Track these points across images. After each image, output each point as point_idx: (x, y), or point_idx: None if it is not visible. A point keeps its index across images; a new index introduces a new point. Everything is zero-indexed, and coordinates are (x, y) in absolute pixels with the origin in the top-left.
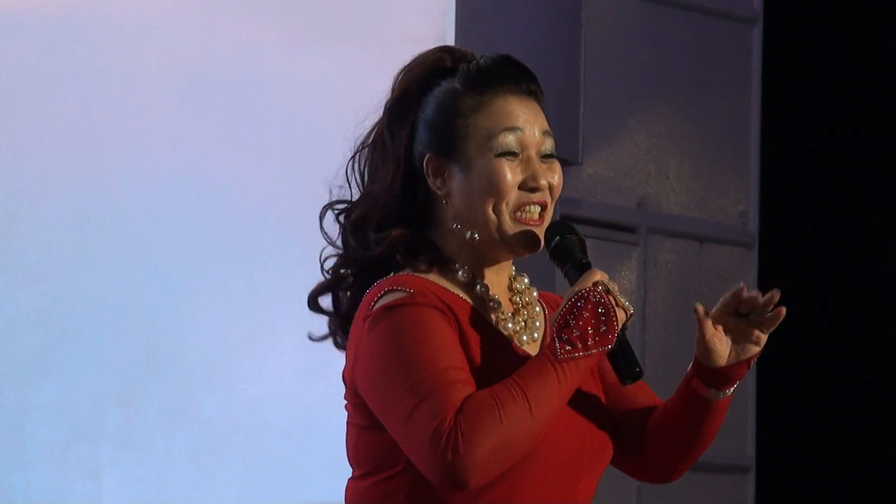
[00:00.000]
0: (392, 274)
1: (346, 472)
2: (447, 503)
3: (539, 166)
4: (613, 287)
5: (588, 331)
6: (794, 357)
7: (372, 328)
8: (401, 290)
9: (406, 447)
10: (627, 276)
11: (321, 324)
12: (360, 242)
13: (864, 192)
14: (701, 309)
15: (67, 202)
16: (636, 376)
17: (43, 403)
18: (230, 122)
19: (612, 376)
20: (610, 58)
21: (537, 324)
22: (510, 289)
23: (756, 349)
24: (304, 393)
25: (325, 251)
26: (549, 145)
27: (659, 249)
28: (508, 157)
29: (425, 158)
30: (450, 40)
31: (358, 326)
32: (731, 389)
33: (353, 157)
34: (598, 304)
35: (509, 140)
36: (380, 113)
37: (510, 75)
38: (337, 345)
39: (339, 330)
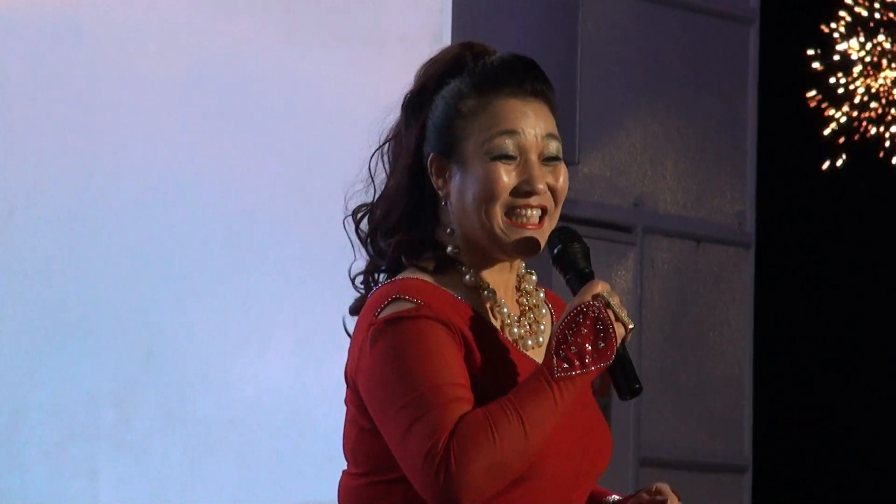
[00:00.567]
0: (400, 275)
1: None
2: None
3: (537, 170)
4: (614, 300)
5: (586, 347)
6: (791, 356)
7: (375, 340)
8: (407, 300)
9: (402, 463)
10: (624, 275)
11: (321, 323)
12: (376, 250)
13: (861, 191)
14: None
15: (63, 202)
16: (635, 392)
17: (39, 403)
18: (226, 121)
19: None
20: (606, 57)
21: (542, 327)
22: (518, 288)
23: None
24: (300, 392)
25: (353, 266)
26: (552, 148)
27: (655, 249)
28: (504, 161)
29: (429, 157)
30: (446, 39)
31: (362, 331)
32: None
33: (378, 150)
34: (598, 319)
35: (506, 143)
36: (397, 111)
37: (515, 76)
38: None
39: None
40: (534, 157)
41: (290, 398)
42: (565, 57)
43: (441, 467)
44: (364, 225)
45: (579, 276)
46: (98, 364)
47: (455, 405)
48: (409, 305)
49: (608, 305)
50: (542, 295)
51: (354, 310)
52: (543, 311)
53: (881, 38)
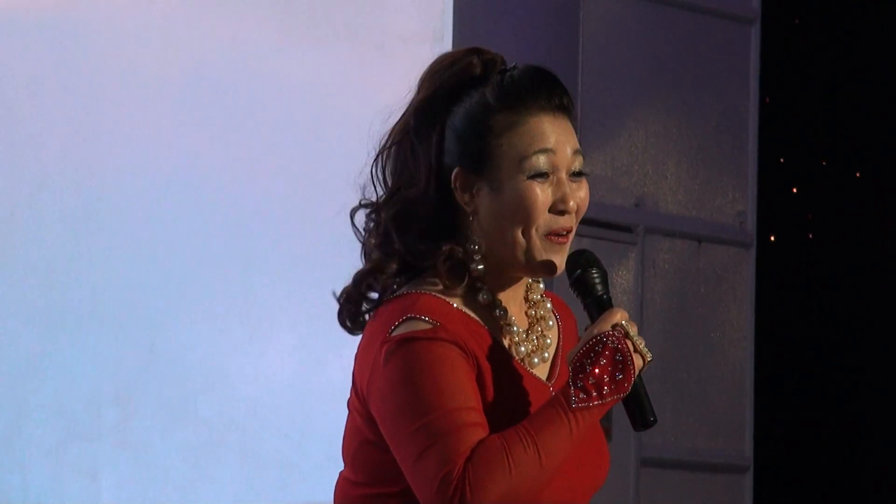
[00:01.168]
0: (411, 286)
1: None
2: None
3: (569, 188)
4: (633, 330)
5: (604, 378)
6: (792, 356)
7: (388, 359)
8: (423, 321)
9: (414, 487)
10: (625, 275)
11: (322, 323)
12: (408, 248)
13: (863, 191)
14: None
15: (65, 202)
16: (649, 425)
17: (40, 403)
18: (227, 121)
19: None
20: (608, 57)
21: (548, 341)
22: (526, 299)
23: None
24: (301, 393)
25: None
26: (578, 164)
27: (657, 249)
28: (539, 179)
29: (454, 172)
30: (447, 39)
31: (374, 346)
32: None
33: (379, 155)
34: (616, 350)
35: (541, 162)
36: (399, 113)
37: (544, 91)
38: (345, 326)
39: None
40: (563, 175)
41: (291, 398)
42: (566, 57)
43: (456, 495)
44: (370, 224)
45: (598, 303)
46: (99, 364)
47: (470, 430)
48: (424, 326)
49: (627, 335)
50: (548, 305)
51: (351, 320)
52: (550, 322)
53: None
